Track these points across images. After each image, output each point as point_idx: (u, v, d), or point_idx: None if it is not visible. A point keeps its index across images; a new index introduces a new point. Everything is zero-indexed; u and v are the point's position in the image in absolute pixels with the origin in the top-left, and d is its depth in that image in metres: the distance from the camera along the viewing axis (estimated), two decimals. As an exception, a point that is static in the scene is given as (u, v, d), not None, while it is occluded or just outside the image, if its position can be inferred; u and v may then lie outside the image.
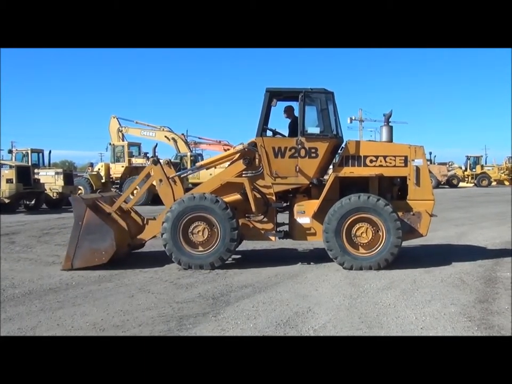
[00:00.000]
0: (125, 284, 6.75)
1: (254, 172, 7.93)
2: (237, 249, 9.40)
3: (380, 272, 7.32)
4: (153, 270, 7.60)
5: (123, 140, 26.15)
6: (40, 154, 24.35)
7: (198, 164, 9.27)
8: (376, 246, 7.46)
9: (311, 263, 8.08)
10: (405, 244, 8.44)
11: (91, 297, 6.08)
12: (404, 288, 6.45)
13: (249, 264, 7.96)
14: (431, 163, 40.76)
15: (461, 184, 40.71)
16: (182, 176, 8.69)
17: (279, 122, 9.14)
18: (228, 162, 8.49)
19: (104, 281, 6.90)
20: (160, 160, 8.51)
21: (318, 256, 7.74)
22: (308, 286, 6.59)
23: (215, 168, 10.68)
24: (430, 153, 41.98)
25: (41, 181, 19.35)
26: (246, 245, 9.87)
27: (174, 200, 7.95)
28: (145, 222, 8.28)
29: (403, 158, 7.80)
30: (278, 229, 8.23)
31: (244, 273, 7.36)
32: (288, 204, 8.26)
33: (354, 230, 7.48)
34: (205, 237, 7.51)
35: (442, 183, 39.12)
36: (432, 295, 6.10)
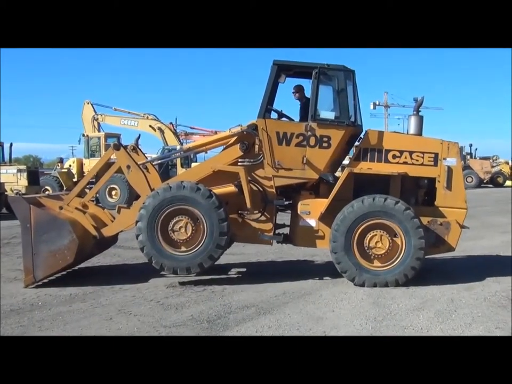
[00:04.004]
0: (101, 304, 6.75)
1: (252, 160, 7.95)
2: (238, 261, 9.46)
3: (410, 289, 7.32)
4: (135, 287, 7.61)
5: (99, 130, 26.16)
6: None
7: (185, 147, 9.13)
8: (397, 254, 7.47)
9: (327, 278, 8.08)
10: (441, 255, 8.44)
11: (61, 321, 6.07)
12: (439, 309, 6.44)
13: (252, 280, 7.96)
14: (471, 157, 40.69)
15: (507, 182, 40.57)
16: (155, 163, 8.70)
17: (290, 105, 9.16)
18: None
19: (77, 301, 6.91)
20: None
21: (335, 270, 7.73)
22: (322, 307, 6.59)
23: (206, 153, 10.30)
24: (471, 146, 41.92)
25: (0, 180, 19.39)
26: (249, 257, 9.90)
27: (150, 188, 7.99)
28: (116, 211, 8.33)
29: (433, 155, 7.81)
30: (276, 231, 8.26)
31: (245, 291, 7.36)
32: (291, 201, 8.28)
33: (367, 241, 7.50)
34: (189, 234, 7.46)
35: (485, 181, 39.02)
36: (473, 317, 6.08)
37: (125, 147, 8.35)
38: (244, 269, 9.01)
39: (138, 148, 8.42)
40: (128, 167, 8.18)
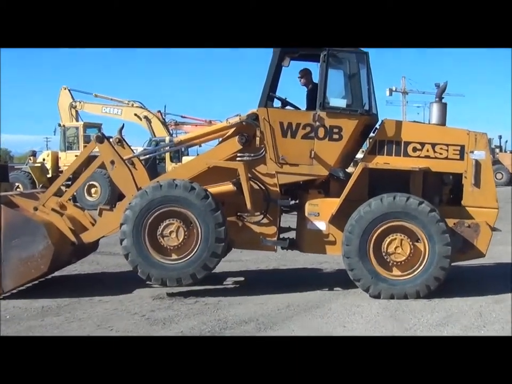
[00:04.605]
0: (77, 318, 6.73)
1: (252, 154, 7.93)
2: (234, 269, 9.42)
3: (432, 301, 7.30)
4: (117, 298, 7.60)
5: (77, 120, 26.18)
6: (-36, 139, 24.44)
7: (176, 139, 9.07)
8: (419, 262, 7.44)
9: (337, 288, 8.08)
10: (467, 263, 8.42)
11: (32, 337, 6.05)
12: (466, 325, 6.42)
13: (251, 291, 7.94)
14: (501, 151, 40.74)
15: (542, 179, 40.57)
16: (143, 158, 8.68)
17: (295, 92, 9.16)
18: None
19: (50, 315, 6.88)
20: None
21: (346, 280, 7.71)
22: (332, 321, 6.58)
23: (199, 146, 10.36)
24: (500, 138, 41.97)
25: (-35, 177, 19.37)
26: (248, 264, 9.89)
27: (136, 186, 7.97)
28: (98, 214, 8.29)
29: (459, 148, 7.79)
30: (281, 236, 8.25)
31: (243, 304, 7.35)
32: (297, 201, 8.28)
33: (385, 246, 7.47)
34: (181, 240, 7.43)
35: (517, 177, 38.99)
36: (505, 334, 6.05)
37: (109, 139, 8.32)
38: (242, 278, 9.01)
39: (124, 140, 8.39)
40: (112, 162, 8.12)
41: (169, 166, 22.94)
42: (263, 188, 7.96)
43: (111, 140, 8.33)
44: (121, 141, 8.31)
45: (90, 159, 8.65)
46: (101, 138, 8.24)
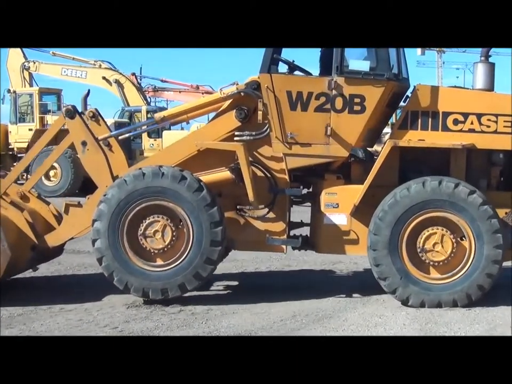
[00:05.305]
0: (35, 332, 6.73)
1: (254, 133, 7.94)
2: (228, 271, 9.45)
3: (471, 311, 7.35)
4: (83, 307, 7.63)
5: (31, 85, 26.09)
6: None
7: (158, 116, 8.89)
8: (462, 264, 7.48)
9: (355, 295, 8.13)
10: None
11: (-22, 354, 6.11)
12: (514, 339, 6.48)
13: (248, 298, 7.98)
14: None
15: None
16: (121, 137, 8.70)
17: (305, 54, 9.20)
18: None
19: (1, 327, 6.88)
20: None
21: (366, 284, 7.75)
22: (348, 335, 6.58)
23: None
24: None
25: None
26: (244, 265, 9.95)
27: (112, 175, 7.98)
28: (63, 211, 8.22)
29: (511, 119, 7.80)
30: (291, 232, 8.29)
31: (238, 313, 7.40)
32: (310, 190, 8.33)
33: (422, 241, 7.50)
34: (167, 242, 7.49)
35: None
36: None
37: (80, 113, 8.18)
38: (237, 282, 9.07)
39: (100, 115, 8.30)
40: (84, 143, 8.07)
41: (147, 142, 22.99)
42: (268, 174, 7.99)
43: (83, 114, 8.17)
44: (96, 116, 8.22)
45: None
46: (72, 113, 8.12)
